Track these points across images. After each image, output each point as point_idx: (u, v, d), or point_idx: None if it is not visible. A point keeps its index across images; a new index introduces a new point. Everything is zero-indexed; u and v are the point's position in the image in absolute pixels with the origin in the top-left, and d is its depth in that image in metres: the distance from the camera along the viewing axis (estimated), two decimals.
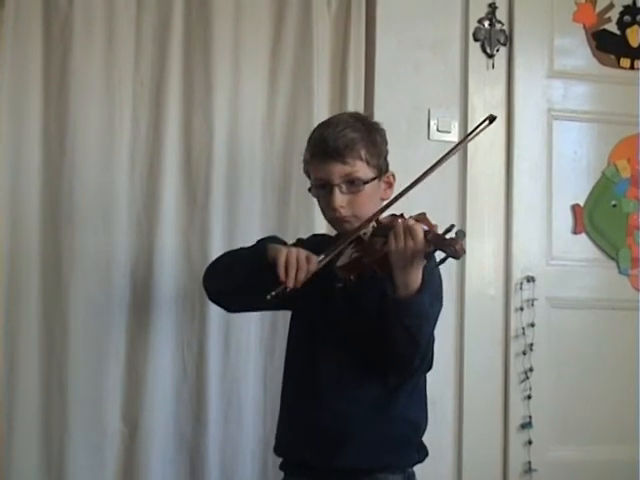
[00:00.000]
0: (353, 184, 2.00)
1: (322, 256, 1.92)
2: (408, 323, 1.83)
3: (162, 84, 2.77)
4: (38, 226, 2.69)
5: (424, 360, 1.94)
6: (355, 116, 2.14)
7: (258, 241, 2.21)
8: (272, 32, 2.87)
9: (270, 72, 2.86)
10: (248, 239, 2.73)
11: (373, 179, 2.03)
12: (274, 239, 2.17)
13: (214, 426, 2.71)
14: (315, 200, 2.71)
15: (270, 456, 2.71)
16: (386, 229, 1.87)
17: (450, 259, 1.73)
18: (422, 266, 1.82)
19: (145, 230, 2.75)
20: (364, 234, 1.96)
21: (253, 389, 2.77)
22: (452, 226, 1.75)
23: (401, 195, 1.98)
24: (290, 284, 1.87)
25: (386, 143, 2.10)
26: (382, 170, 2.07)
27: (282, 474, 2.14)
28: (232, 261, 2.13)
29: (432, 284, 1.90)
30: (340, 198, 1.99)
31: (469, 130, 2.95)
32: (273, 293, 1.88)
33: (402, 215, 1.92)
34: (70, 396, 2.65)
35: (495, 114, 2.91)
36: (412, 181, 2.00)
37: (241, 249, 2.19)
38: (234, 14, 2.82)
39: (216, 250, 2.72)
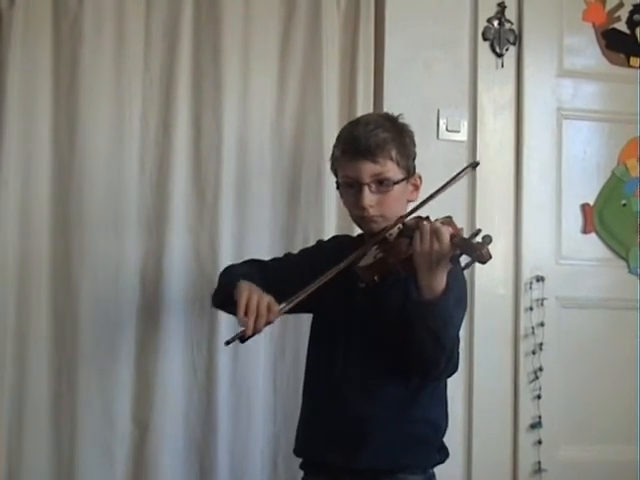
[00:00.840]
0: (382, 184, 2.00)
1: (284, 304, 1.90)
2: (432, 326, 1.83)
3: (171, 84, 2.77)
4: (48, 226, 2.69)
5: (449, 363, 1.93)
6: (386, 116, 2.12)
7: (245, 262, 2.25)
8: (281, 31, 2.87)
9: (279, 71, 2.86)
10: (257, 239, 2.75)
11: (402, 180, 2.03)
12: (257, 266, 2.17)
13: (224, 426, 2.71)
14: (325, 200, 2.76)
15: (280, 456, 2.72)
16: (412, 231, 1.87)
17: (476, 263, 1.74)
18: (447, 269, 1.82)
19: (154, 230, 2.75)
20: (389, 235, 1.96)
21: (263, 389, 2.77)
22: (479, 230, 1.76)
23: (427, 201, 2.00)
24: (248, 332, 1.85)
25: (414, 145, 2.10)
26: (410, 172, 2.07)
27: (293, 474, 2.14)
28: (218, 284, 2.15)
29: (457, 288, 1.90)
30: (369, 197, 1.99)
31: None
32: (229, 340, 1.88)
33: (428, 218, 1.93)
34: (80, 397, 2.65)
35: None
36: (441, 185, 2.03)
37: (230, 270, 2.19)
38: (243, 14, 2.82)
39: (225, 250, 2.73)
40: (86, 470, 2.64)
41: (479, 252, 1.71)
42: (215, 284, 2.20)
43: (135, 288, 2.72)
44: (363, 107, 2.83)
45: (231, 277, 2.04)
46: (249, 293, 1.88)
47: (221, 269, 2.65)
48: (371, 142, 1.98)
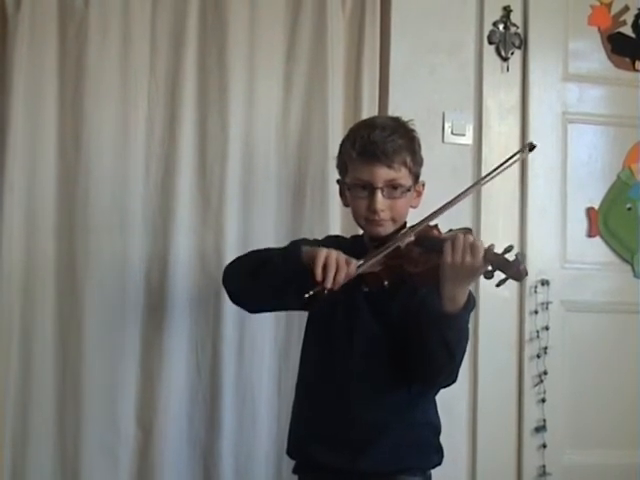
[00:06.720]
0: (395, 189, 2.01)
1: (361, 261, 1.89)
2: (449, 338, 1.84)
3: (177, 86, 2.78)
4: (53, 229, 2.70)
5: (452, 374, 1.95)
6: (398, 121, 2.11)
7: (291, 243, 2.18)
8: (287, 35, 2.87)
9: (285, 74, 2.86)
10: (262, 240, 2.75)
11: (412, 186, 2.04)
12: (305, 242, 2.13)
13: (228, 428, 2.71)
14: (330, 203, 2.76)
15: (284, 458, 2.69)
16: (430, 240, 1.88)
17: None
18: (473, 284, 1.83)
19: (160, 232, 2.75)
20: (401, 242, 1.95)
21: (267, 391, 2.77)
22: (511, 247, 1.74)
23: (441, 211, 1.97)
24: (328, 285, 1.82)
25: (421, 150, 2.11)
26: (417, 178, 2.08)
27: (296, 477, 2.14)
28: (260, 263, 2.03)
29: (472, 302, 1.90)
30: (382, 201, 1.99)
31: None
32: (311, 293, 1.83)
33: (436, 226, 1.93)
34: (85, 399, 2.65)
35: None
36: (459, 193, 2.00)
37: (268, 250, 2.11)
38: (249, 16, 2.82)
39: (230, 251, 2.72)
40: (90, 472, 2.64)
41: (516, 269, 1.69)
42: (220, 285, 2.17)
43: (140, 289, 2.72)
44: (368, 111, 2.83)
45: (285, 250, 2.04)
46: (326, 250, 1.87)
47: None
48: (389, 148, 1.98)
